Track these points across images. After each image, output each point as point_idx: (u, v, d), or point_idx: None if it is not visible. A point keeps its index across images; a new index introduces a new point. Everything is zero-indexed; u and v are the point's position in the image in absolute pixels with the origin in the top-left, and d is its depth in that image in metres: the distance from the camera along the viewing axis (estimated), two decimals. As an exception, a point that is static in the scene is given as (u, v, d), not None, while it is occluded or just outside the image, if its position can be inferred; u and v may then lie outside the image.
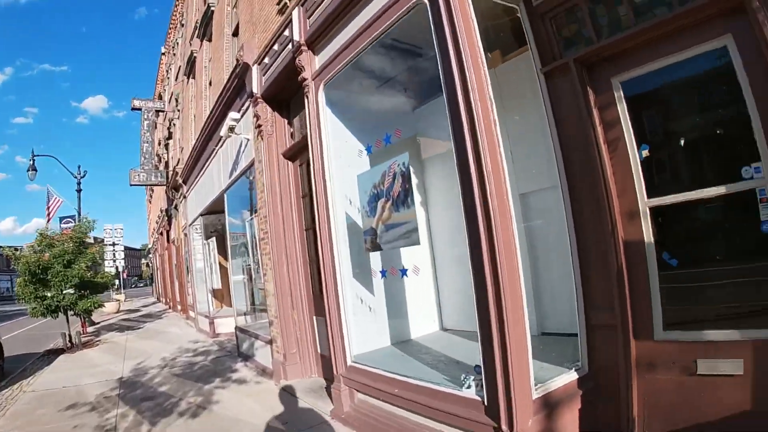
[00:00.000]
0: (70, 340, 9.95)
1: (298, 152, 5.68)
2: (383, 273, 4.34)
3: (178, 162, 13.99)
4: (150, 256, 41.36)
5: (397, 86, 5.36)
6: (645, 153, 2.98)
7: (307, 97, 4.60)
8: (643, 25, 2.86)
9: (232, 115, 6.36)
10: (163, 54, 22.10)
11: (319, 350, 5.49)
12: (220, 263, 10.81)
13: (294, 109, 5.92)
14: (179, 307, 16.96)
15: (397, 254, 4.93)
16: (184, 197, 12.60)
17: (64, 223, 17.86)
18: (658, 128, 3.11)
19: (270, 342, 6.02)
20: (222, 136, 6.67)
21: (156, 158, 19.14)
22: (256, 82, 5.82)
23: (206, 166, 9.44)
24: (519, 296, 2.74)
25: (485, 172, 2.72)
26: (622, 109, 3.04)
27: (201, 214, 10.72)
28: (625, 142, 3.03)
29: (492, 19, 3.69)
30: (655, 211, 2.95)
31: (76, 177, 16.75)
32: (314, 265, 5.55)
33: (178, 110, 15.18)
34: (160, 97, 21.93)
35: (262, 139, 5.83)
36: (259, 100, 5.78)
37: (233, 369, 6.74)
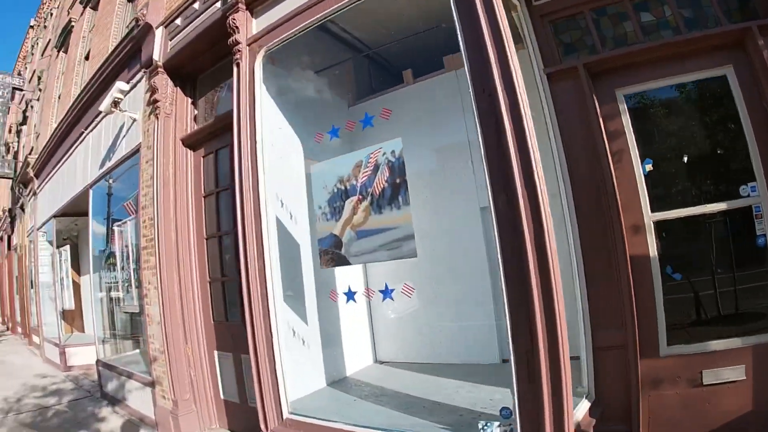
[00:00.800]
0: None
1: (205, 140, 4.51)
2: (350, 295, 3.28)
3: (31, 151, 11.37)
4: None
5: (341, 78, 4.64)
6: (648, 167, 2.95)
7: (238, 66, 3.56)
8: (650, 43, 2.91)
9: (120, 85, 4.91)
10: (32, 27, 18.37)
11: (222, 395, 4.26)
12: (72, 278, 8.79)
13: (202, 87, 4.75)
14: (20, 330, 13.82)
15: (331, 274, 4.00)
16: (35, 194, 10.13)
17: None
18: (661, 143, 3.11)
19: (152, 384, 4.59)
20: (102, 112, 5.12)
21: (4, 147, 15.73)
22: (159, 48, 4.55)
23: (69, 155, 7.46)
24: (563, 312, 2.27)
25: (536, 175, 2.29)
26: (626, 122, 3.01)
27: (55, 216, 8.48)
28: (629, 155, 2.98)
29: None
30: (657, 226, 2.93)
31: None
32: (218, 285, 4.39)
33: (40, 89, 12.51)
34: (20, 75, 18.28)
35: (157, 118, 4.52)
36: (159, 70, 4.50)
37: (100, 417, 5.13)
